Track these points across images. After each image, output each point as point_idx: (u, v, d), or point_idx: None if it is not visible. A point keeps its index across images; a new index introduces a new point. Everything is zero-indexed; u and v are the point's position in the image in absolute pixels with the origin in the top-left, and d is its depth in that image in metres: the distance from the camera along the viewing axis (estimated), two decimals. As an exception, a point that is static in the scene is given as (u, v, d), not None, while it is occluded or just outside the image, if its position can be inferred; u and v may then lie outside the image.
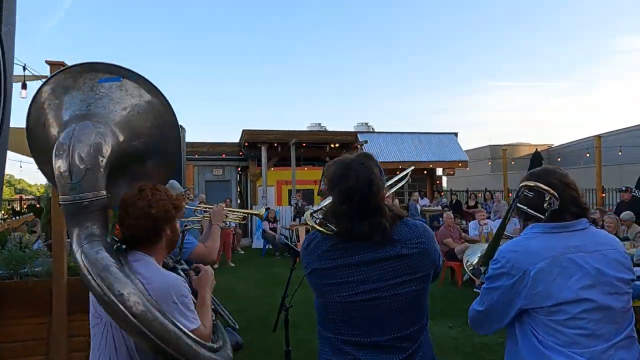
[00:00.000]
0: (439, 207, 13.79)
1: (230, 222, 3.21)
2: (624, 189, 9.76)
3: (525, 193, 1.62)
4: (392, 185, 2.05)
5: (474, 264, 1.92)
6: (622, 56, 48.62)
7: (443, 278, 8.30)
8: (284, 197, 15.82)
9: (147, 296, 1.51)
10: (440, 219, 11.80)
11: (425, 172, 16.58)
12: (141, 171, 1.85)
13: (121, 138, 1.69)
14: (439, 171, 17.28)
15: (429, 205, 14.24)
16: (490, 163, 25.10)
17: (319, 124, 19.05)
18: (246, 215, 3.34)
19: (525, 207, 1.62)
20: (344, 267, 1.51)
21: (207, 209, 3.13)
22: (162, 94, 1.76)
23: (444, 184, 22.13)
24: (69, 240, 1.64)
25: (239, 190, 16.76)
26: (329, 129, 18.95)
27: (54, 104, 1.67)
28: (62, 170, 1.55)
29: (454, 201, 14.64)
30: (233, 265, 10.32)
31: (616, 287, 1.49)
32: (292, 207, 13.40)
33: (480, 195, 15.48)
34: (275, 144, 15.15)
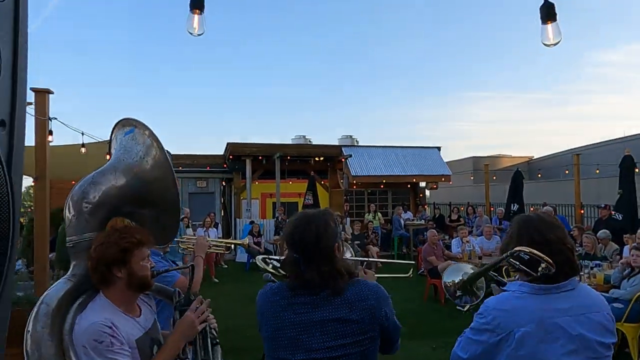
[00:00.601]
0: (422, 221, 13.92)
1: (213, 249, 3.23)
2: (602, 205, 9.99)
3: (520, 255, 1.58)
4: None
5: (450, 284, 1.92)
6: (602, 69, 49.84)
7: (427, 295, 8.38)
8: (268, 210, 15.81)
9: (65, 336, 1.68)
10: (425, 233, 11.93)
11: (408, 185, 16.73)
12: (139, 216, 2.00)
13: (121, 182, 1.88)
14: (422, 184, 17.44)
15: (412, 219, 14.36)
16: (472, 178, 25.41)
17: (304, 137, 19.09)
18: (230, 245, 3.35)
19: (518, 263, 1.59)
20: (292, 325, 1.56)
21: (189, 239, 3.15)
22: (165, 151, 1.94)
23: (427, 196, 22.34)
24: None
25: (222, 202, 16.68)
26: (314, 141, 19.01)
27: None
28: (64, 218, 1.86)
29: (436, 215, 14.79)
30: (217, 281, 10.25)
31: (597, 352, 1.51)
32: (275, 220, 13.41)
33: (463, 209, 15.66)
34: (260, 157, 15.15)
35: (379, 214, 14.84)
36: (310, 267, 1.58)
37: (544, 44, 3.18)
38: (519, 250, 1.57)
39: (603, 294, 5.55)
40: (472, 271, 1.89)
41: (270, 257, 1.93)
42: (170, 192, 1.96)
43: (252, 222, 13.38)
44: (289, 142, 18.32)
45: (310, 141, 18.88)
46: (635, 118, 57.00)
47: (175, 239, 3.30)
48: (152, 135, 1.90)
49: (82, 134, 6.74)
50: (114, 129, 1.96)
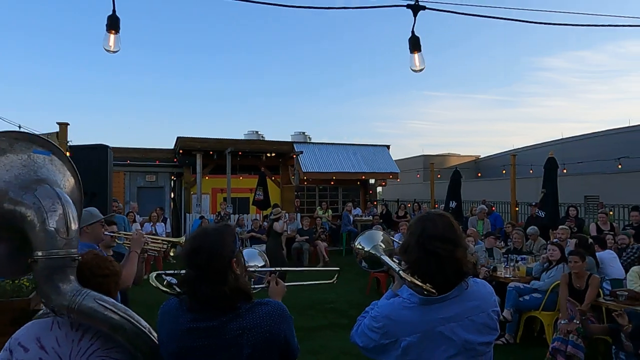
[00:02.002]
0: (370, 217, 14.32)
1: (150, 249, 3.26)
2: (533, 204, 10.67)
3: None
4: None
5: (360, 248, 2.03)
6: (544, 74, 52.46)
7: (369, 288, 8.72)
8: (219, 205, 15.78)
9: None
10: (372, 228, 12.29)
11: (358, 182, 17.12)
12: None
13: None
14: (372, 181, 17.90)
15: (361, 215, 14.75)
16: (418, 176, 26.23)
17: (256, 132, 19.13)
18: (166, 243, 3.40)
19: (410, 280, 1.68)
20: (190, 350, 1.57)
21: (126, 236, 3.21)
22: (79, 177, 1.95)
23: (380, 192, 22.91)
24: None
25: (172, 197, 16.48)
26: (267, 137, 19.10)
27: None
28: (57, 227, 1.67)
29: (384, 211, 15.24)
30: (146, 277, 10.14)
31: (479, 352, 1.65)
32: (216, 216, 13.39)
33: (410, 205, 16.20)
34: (211, 152, 15.09)
35: (329, 210, 15.14)
36: (205, 285, 1.55)
37: (412, 70, 3.60)
38: (403, 277, 1.70)
39: (524, 285, 6.05)
40: (382, 242, 2.02)
41: (166, 272, 1.89)
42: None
43: (201, 217, 13.33)
44: (242, 137, 18.32)
45: (263, 137, 18.94)
46: (574, 120, 60.34)
47: (112, 234, 3.35)
48: (69, 163, 1.93)
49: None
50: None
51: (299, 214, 14.35)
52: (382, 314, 1.69)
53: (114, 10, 3.26)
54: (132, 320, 1.66)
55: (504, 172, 16.98)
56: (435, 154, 32.88)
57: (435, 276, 1.64)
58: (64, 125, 6.79)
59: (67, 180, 1.90)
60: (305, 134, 18.83)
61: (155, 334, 1.67)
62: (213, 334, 1.55)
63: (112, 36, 3.37)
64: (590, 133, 20.93)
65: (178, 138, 14.90)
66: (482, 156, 33.11)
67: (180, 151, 14.94)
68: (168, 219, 13.44)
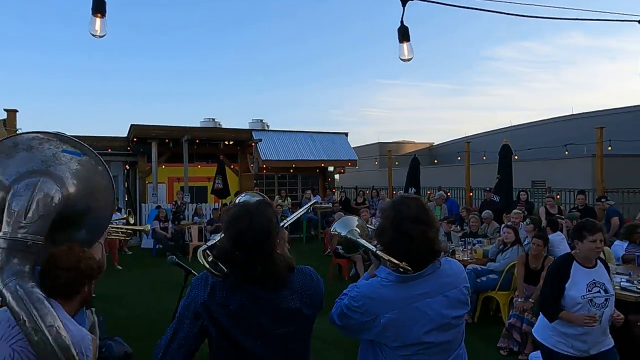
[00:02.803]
0: (330, 204, 14.44)
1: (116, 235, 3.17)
2: (487, 189, 11.10)
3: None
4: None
5: (336, 234, 2.09)
6: (493, 63, 54.25)
7: (331, 274, 8.83)
8: (176, 195, 15.44)
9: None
10: (333, 215, 12.43)
11: (317, 170, 17.20)
12: (70, 237, 1.98)
13: (67, 203, 1.86)
14: (331, 168, 18.02)
15: (321, 203, 14.84)
16: (377, 163, 26.65)
17: (213, 119, 18.76)
18: (131, 231, 3.33)
19: (387, 258, 1.77)
20: (250, 316, 1.61)
21: None
22: (111, 178, 1.97)
23: (337, 180, 23.10)
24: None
25: (126, 187, 15.98)
26: (223, 124, 18.77)
27: (10, 154, 1.83)
28: (16, 209, 1.69)
29: (343, 198, 15.41)
30: (120, 268, 9.92)
31: (452, 325, 1.77)
32: (172, 205, 13.12)
33: (368, 192, 16.45)
34: (167, 140, 14.70)
35: (288, 198, 15.15)
36: (256, 265, 1.58)
37: (401, 59, 3.67)
38: (380, 255, 1.79)
39: (481, 266, 6.31)
40: (357, 227, 2.08)
41: (209, 246, 1.79)
42: (105, 219, 2.08)
43: (158, 207, 13.02)
44: (198, 125, 17.93)
45: (220, 124, 18.61)
46: (522, 109, 62.90)
47: None
48: (102, 165, 1.97)
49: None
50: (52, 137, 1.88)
51: (258, 202, 14.26)
52: (362, 293, 1.77)
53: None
54: (38, 322, 1.59)
55: (458, 158, 17.53)
56: (390, 141, 33.46)
57: (409, 255, 1.74)
58: (12, 112, 6.44)
59: (93, 182, 1.93)
60: (263, 121, 18.66)
61: (64, 332, 1.62)
62: (272, 300, 1.62)
63: (98, 20, 3.22)
64: (538, 121, 21.94)
65: (132, 125, 14.42)
66: (435, 143, 33.97)
67: (134, 139, 14.47)
68: (123, 209, 13.04)
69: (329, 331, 5.53)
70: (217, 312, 1.60)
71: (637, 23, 4.30)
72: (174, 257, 2.90)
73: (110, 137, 15.47)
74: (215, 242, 1.75)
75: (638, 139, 15.64)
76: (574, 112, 20.33)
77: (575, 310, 3.07)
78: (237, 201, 2.12)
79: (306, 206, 2.77)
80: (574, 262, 3.18)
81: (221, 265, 1.63)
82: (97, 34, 3.27)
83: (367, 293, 1.77)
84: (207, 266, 1.65)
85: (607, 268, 3.31)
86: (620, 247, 6.43)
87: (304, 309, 1.67)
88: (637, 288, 4.74)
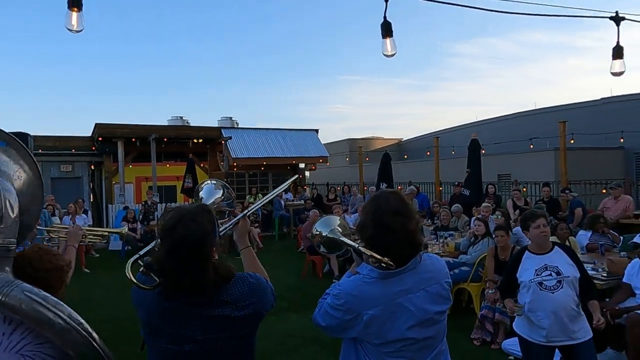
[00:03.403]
0: (302, 201, 14.43)
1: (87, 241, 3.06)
2: (456, 183, 11.31)
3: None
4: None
5: (317, 234, 2.04)
6: (457, 59, 55.32)
7: (305, 271, 8.83)
8: (144, 195, 15.12)
9: None
10: (306, 212, 12.44)
11: (288, 167, 17.14)
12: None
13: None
14: (302, 165, 17.99)
15: (292, 200, 14.81)
16: (347, 159, 26.77)
17: (181, 117, 18.46)
18: (106, 234, 3.23)
19: (369, 254, 1.76)
20: (175, 316, 1.59)
21: (62, 229, 2.99)
22: (38, 169, 1.82)
23: (307, 177, 23.09)
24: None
25: (91, 188, 15.53)
26: (192, 122, 18.49)
27: None
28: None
29: (315, 195, 15.42)
30: (88, 271, 9.65)
31: (434, 320, 1.77)
32: (141, 205, 12.85)
33: (339, 188, 16.51)
34: (133, 139, 14.33)
35: (260, 195, 15.04)
36: (186, 276, 1.55)
37: (384, 55, 3.72)
38: (362, 251, 1.78)
39: (453, 259, 6.42)
40: (339, 227, 2.05)
41: (140, 254, 1.77)
42: (33, 214, 1.89)
43: (126, 208, 12.72)
44: (165, 123, 17.59)
45: (188, 122, 18.32)
46: (486, 104, 64.33)
47: (44, 228, 3.11)
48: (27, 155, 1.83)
49: None
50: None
51: (229, 201, 14.11)
52: (344, 291, 1.76)
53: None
54: (63, 316, 1.53)
55: (428, 153, 17.78)
56: (360, 137, 33.64)
57: (390, 249, 1.73)
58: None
59: (22, 172, 1.78)
60: (233, 119, 18.47)
61: (91, 330, 1.57)
62: (201, 308, 1.59)
63: (74, 14, 3.15)
64: (503, 116, 22.48)
65: (96, 125, 14.01)
66: (404, 139, 34.36)
67: (100, 138, 14.07)
68: (89, 211, 12.68)
69: (307, 329, 5.57)
70: (147, 318, 1.64)
71: (608, 19, 4.45)
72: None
73: (74, 136, 15.00)
74: (150, 249, 1.74)
75: (598, 132, 16.24)
76: (537, 107, 20.95)
77: (524, 293, 3.33)
78: (197, 191, 2.11)
79: (283, 186, 2.68)
80: (526, 252, 3.44)
81: (153, 276, 1.59)
82: (74, 28, 3.18)
83: (349, 290, 1.75)
84: (135, 281, 1.62)
85: (570, 253, 3.43)
86: (584, 236, 6.67)
87: (235, 316, 1.61)
88: (602, 276, 4.93)
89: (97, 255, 11.62)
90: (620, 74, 4.76)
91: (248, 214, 2.13)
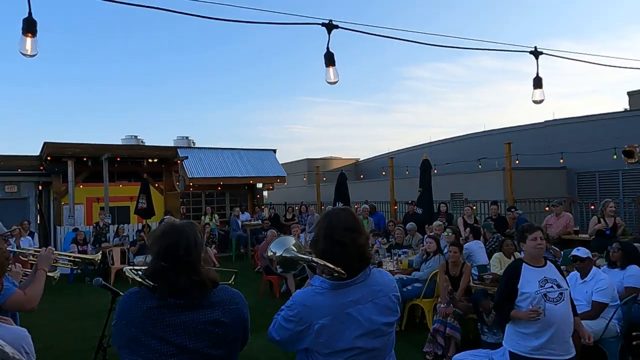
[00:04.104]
0: (259, 221, 14.38)
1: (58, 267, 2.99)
2: (410, 202, 11.63)
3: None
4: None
5: (272, 255, 2.08)
6: (411, 83, 57.12)
7: (262, 291, 8.79)
8: (95, 216, 14.65)
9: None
10: (264, 232, 12.40)
11: (246, 187, 17.07)
12: None
13: None
14: (259, 185, 17.95)
15: (250, 220, 14.73)
16: (305, 179, 26.92)
17: (135, 137, 18.05)
18: (78, 260, 3.16)
19: (321, 264, 1.84)
20: (165, 326, 1.64)
21: (34, 253, 2.92)
22: None
23: (265, 196, 23.02)
24: None
25: (39, 209, 14.90)
26: (147, 141, 18.13)
27: None
28: None
29: (272, 215, 15.40)
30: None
31: (382, 332, 1.86)
32: (92, 227, 12.46)
33: (297, 208, 16.56)
34: (85, 158, 13.93)
35: (215, 215, 14.88)
36: (181, 276, 1.65)
37: (327, 82, 4.07)
38: (316, 261, 1.87)
39: (407, 276, 6.59)
40: (294, 246, 2.09)
41: (135, 267, 1.90)
42: None
43: (75, 230, 12.28)
44: (119, 142, 17.18)
45: (143, 142, 17.95)
46: (440, 126, 66.49)
47: (16, 250, 3.02)
48: None
49: None
50: None
51: (185, 221, 13.88)
52: (297, 301, 1.84)
53: (29, 13, 3.12)
54: None
55: (383, 173, 18.14)
56: (318, 157, 33.95)
57: (342, 262, 1.82)
58: None
59: None
60: (189, 138, 18.25)
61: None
62: (189, 311, 1.67)
63: (29, 39, 3.25)
64: (454, 137, 23.28)
65: (45, 144, 13.53)
66: (361, 159, 34.95)
67: (48, 158, 13.58)
68: (35, 233, 12.13)
69: (265, 349, 5.54)
70: (138, 323, 1.65)
71: (528, 54, 4.89)
72: (100, 279, 2.78)
73: (21, 155, 14.41)
74: (141, 262, 1.80)
75: (540, 153, 17.15)
76: (486, 129, 21.89)
77: (524, 305, 3.26)
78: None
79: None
80: (523, 264, 3.39)
81: (148, 282, 1.68)
82: (28, 53, 3.25)
83: (302, 301, 1.83)
84: (138, 279, 1.71)
85: (559, 269, 3.52)
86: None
87: (224, 320, 1.72)
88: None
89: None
90: (541, 101, 5.15)
91: None
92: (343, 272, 1.81)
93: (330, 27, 3.83)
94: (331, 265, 1.82)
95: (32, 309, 2.73)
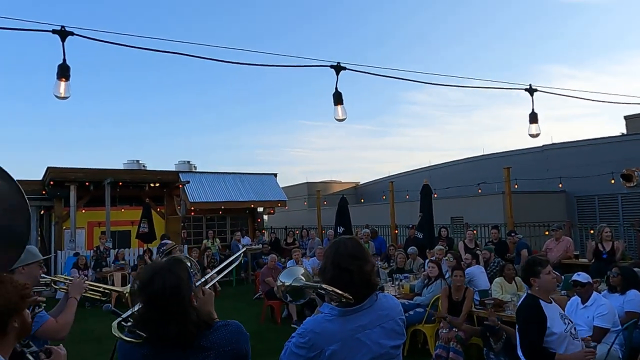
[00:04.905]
0: (260, 246, 14.38)
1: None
2: (411, 226, 11.67)
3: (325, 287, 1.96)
4: (222, 270, 2.29)
5: (281, 284, 2.14)
6: (410, 107, 57.70)
7: (264, 317, 8.76)
8: (97, 240, 14.65)
9: None
10: (264, 257, 12.43)
11: (247, 211, 17.12)
12: None
13: None
14: (260, 209, 18.00)
15: (250, 244, 14.74)
16: (305, 203, 27.00)
17: (137, 161, 18.21)
18: (108, 291, 3.19)
19: (329, 291, 1.92)
20: None
21: (66, 280, 2.96)
22: (11, 177, 1.84)
23: (266, 220, 23.04)
24: None
25: (40, 233, 14.92)
26: (148, 166, 18.26)
27: None
28: None
29: (273, 239, 15.41)
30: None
31: (390, 355, 1.94)
32: (93, 252, 12.46)
33: (297, 232, 16.59)
34: (87, 183, 14.02)
35: (217, 239, 14.90)
36: (171, 324, 1.61)
37: (336, 119, 4.29)
38: (324, 288, 1.95)
39: (408, 301, 6.60)
40: (303, 275, 2.17)
41: (124, 317, 1.86)
42: (20, 224, 1.91)
43: (76, 254, 12.28)
44: (121, 167, 17.32)
45: (144, 166, 18.09)
46: (440, 149, 66.88)
47: (51, 277, 3.05)
48: None
49: None
50: None
51: (185, 246, 13.91)
52: (308, 329, 1.90)
53: (64, 60, 3.45)
54: None
55: (383, 197, 18.22)
56: (318, 181, 34.08)
57: (349, 289, 1.91)
58: None
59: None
60: (190, 162, 18.41)
61: None
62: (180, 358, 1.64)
63: (62, 83, 3.52)
64: (454, 160, 23.45)
65: (48, 168, 13.64)
66: (361, 182, 35.08)
67: (51, 182, 13.67)
68: (36, 258, 12.13)
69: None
70: None
71: (523, 91, 5.09)
72: (110, 305, 2.82)
73: (23, 180, 14.49)
74: (132, 313, 1.81)
75: (539, 177, 17.27)
76: (485, 153, 22.07)
77: (563, 347, 3.08)
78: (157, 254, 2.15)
79: (234, 257, 2.70)
80: (540, 301, 3.16)
81: (139, 332, 1.66)
82: (61, 95, 3.53)
83: (312, 328, 1.89)
84: (124, 338, 1.68)
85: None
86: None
87: None
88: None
89: (44, 305, 11.03)
90: (537, 135, 5.35)
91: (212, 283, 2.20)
92: (350, 297, 1.89)
93: (338, 68, 4.03)
94: (339, 291, 1.89)
95: (63, 338, 2.69)
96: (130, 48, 3.59)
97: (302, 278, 2.15)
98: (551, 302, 3.28)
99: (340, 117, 4.28)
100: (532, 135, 5.30)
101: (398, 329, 2.01)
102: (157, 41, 3.70)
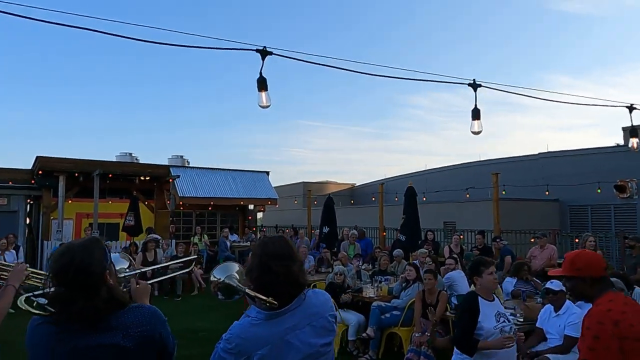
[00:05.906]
0: (248, 243, 14.30)
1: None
2: (398, 228, 11.60)
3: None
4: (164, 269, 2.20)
5: (214, 280, 2.07)
6: (413, 111, 57.65)
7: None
8: (84, 232, 14.58)
9: None
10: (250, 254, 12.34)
11: (237, 208, 17.05)
12: None
13: None
14: (251, 207, 17.93)
15: (239, 241, 14.66)
16: (296, 202, 26.96)
17: (130, 154, 18.11)
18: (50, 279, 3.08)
19: (254, 295, 1.87)
20: (67, 355, 1.58)
21: (5, 267, 2.86)
22: None
23: (260, 218, 22.97)
24: None
25: (28, 223, 14.84)
26: (142, 159, 18.18)
27: None
28: None
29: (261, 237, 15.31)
30: (13, 311, 9.06)
31: (320, 353, 1.90)
32: None
33: (287, 231, 16.52)
34: (76, 174, 13.94)
35: (205, 235, 14.81)
36: (77, 300, 1.58)
37: (260, 106, 4.25)
38: (248, 293, 1.89)
39: (386, 303, 6.54)
40: (237, 273, 2.09)
41: (35, 293, 1.82)
42: None
43: (62, 244, 12.19)
44: (113, 159, 17.24)
45: (137, 159, 18.00)
46: (438, 154, 66.87)
47: None
48: None
49: None
50: None
51: (173, 241, 13.83)
52: (234, 334, 1.85)
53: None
54: None
55: (373, 199, 18.15)
56: (314, 181, 34.00)
57: (275, 289, 1.85)
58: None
59: None
60: (184, 157, 18.32)
61: None
62: (89, 336, 1.59)
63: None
64: (448, 165, 23.43)
65: (38, 157, 13.57)
66: (357, 184, 35.03)
67: (40, 172, 13.59)
68: (21, 247, 12.03)
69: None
70: (42, 349, 1.62)
71: (467, 85, 5.02)
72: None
73: (12, 168, 14.43)
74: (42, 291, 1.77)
75: (532, 184, 17.22)
76: (481, 159, 22.04)
77: (484, 339, 3.25)
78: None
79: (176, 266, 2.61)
80: (479, 297, 3.36)
81: (48, 308, 1.63)
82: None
83: (239, 333, 1.84)
84: (32, 310, 1.65)
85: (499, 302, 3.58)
86: (510, 283, 6.97)
87: (126, 345, 1.62)
88: (519, 321, 5.16)
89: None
90: (479, 132, 5.15)
91: (128, 276, 2.13)
92: (275, 302, 1.83)
93: (264, 53, 4.00)
94: (263, 297, 1.84)
95: None
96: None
97: (236, 276, 2.08)
98: (493, 300, 3.40)
99: (265, 104, 4.26)
100: (474, 133, 5.12)
101: (328, 326, 1.96)
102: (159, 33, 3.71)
